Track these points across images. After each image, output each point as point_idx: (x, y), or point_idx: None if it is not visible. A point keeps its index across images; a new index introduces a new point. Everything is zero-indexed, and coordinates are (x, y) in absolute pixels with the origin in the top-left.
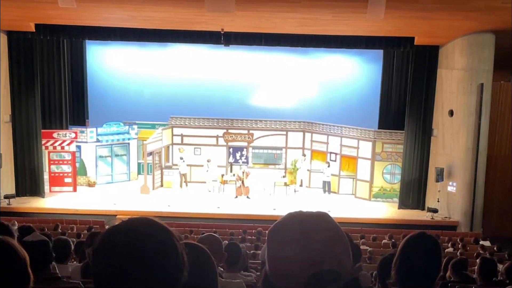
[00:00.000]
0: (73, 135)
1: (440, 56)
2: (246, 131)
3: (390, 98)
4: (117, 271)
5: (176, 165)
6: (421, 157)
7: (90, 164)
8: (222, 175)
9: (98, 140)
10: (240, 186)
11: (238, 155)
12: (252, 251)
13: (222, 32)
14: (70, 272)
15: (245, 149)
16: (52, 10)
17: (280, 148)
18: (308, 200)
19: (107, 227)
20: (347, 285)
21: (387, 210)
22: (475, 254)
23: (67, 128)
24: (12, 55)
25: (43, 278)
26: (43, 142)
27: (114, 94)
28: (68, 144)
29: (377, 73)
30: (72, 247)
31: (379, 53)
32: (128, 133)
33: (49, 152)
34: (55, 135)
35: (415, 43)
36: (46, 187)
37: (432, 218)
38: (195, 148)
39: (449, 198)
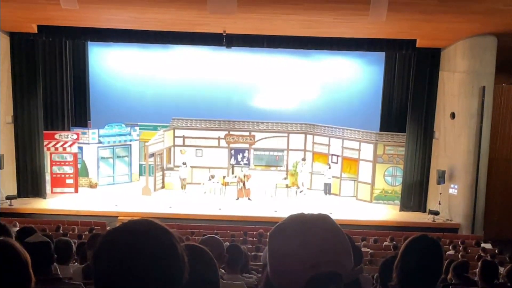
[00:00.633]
0: (75, 136)
1: (442, 58)
2: (247, 133)
3: (391, 101)
4: (118, 272)
5: (178, 166)
6: (423, 159)
7: (91, 165)
8: (224, 177)
9: (100, 142)
10: (242, 188)
11: (239, 157)
12: (253, 253)
13: (224, 34)
14: (71, 273)
15: (246, 151)
16: (54, 11)
17: (282, 150)
18: (309, 202)
19: (108, 228)
20: (348, 287)
21: (388, 213)
22: (476, 256)
23: (69, 129)
24: (15, 56)
25: (45, 279)
26: (45, 143)
27: (116, 96)
28: (70, 146)
29: (379, 75)
30: (74, 248)
31: (381, 55)
32: (130, 134)
33: (51, 153)
34: (57, 136)
35: (417, 46)
36: (48, 188)
37: (434, 221)
38: (196, 149)
39: (450, 200)
